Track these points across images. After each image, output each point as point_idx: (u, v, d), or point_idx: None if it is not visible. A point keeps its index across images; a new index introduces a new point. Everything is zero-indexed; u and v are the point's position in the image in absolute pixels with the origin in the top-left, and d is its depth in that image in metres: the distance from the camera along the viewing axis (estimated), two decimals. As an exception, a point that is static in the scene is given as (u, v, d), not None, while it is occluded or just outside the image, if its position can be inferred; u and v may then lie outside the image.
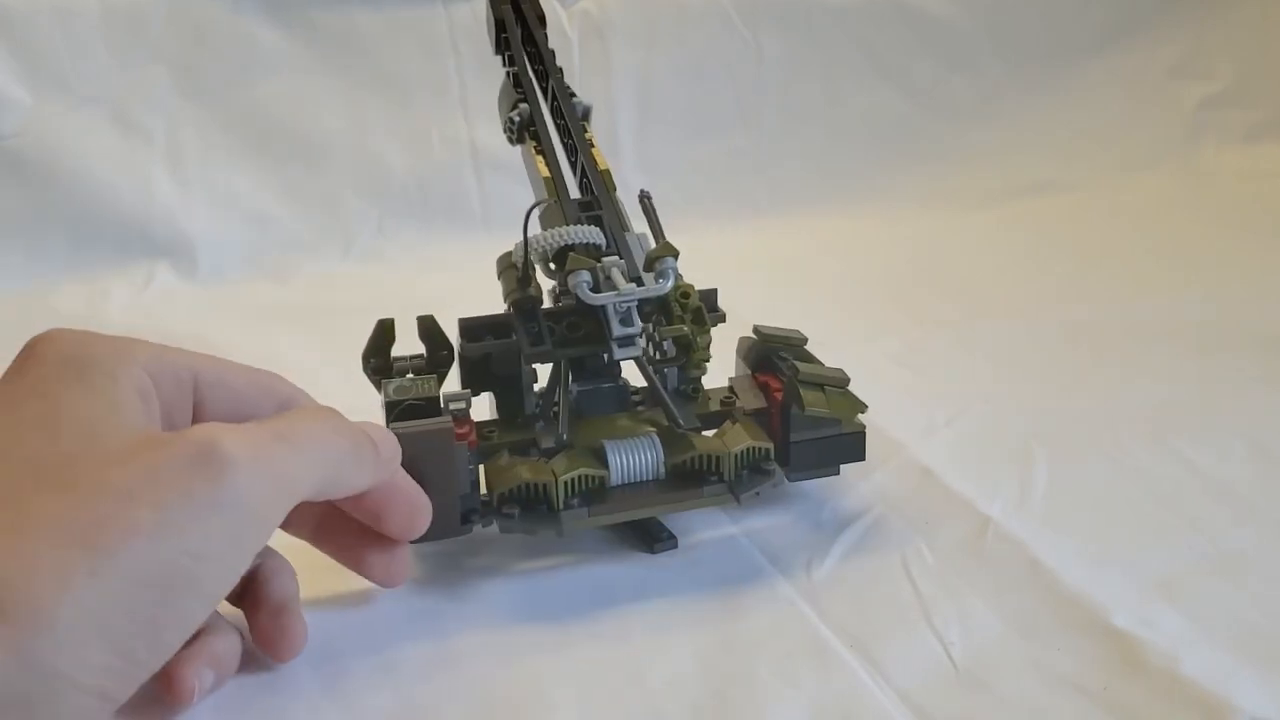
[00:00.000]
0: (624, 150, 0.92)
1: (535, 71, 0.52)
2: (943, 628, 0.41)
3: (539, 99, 0.51)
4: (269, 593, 0.39)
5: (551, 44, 0.96)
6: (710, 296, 0.49)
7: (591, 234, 0.45)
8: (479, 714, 0.38)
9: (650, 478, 0.45)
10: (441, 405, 0.43)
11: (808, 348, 0.49)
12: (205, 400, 0.37)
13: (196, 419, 0.37)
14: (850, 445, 0.47)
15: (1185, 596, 0.42)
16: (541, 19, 0.53)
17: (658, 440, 0.45)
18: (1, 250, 0.80)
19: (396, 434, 0.40)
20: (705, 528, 0.48)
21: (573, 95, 0.51)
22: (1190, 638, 0.40)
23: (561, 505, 0.43)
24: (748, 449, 0.45)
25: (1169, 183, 0.99)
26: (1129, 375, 0.62)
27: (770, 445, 0.45)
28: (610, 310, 0.43)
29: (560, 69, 0.52)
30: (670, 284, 0.43)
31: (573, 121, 0.50)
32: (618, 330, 0.43)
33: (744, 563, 0.45)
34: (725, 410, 0.48)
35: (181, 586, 0.30)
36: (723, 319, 0.49)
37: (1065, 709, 0.37)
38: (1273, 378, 0.61)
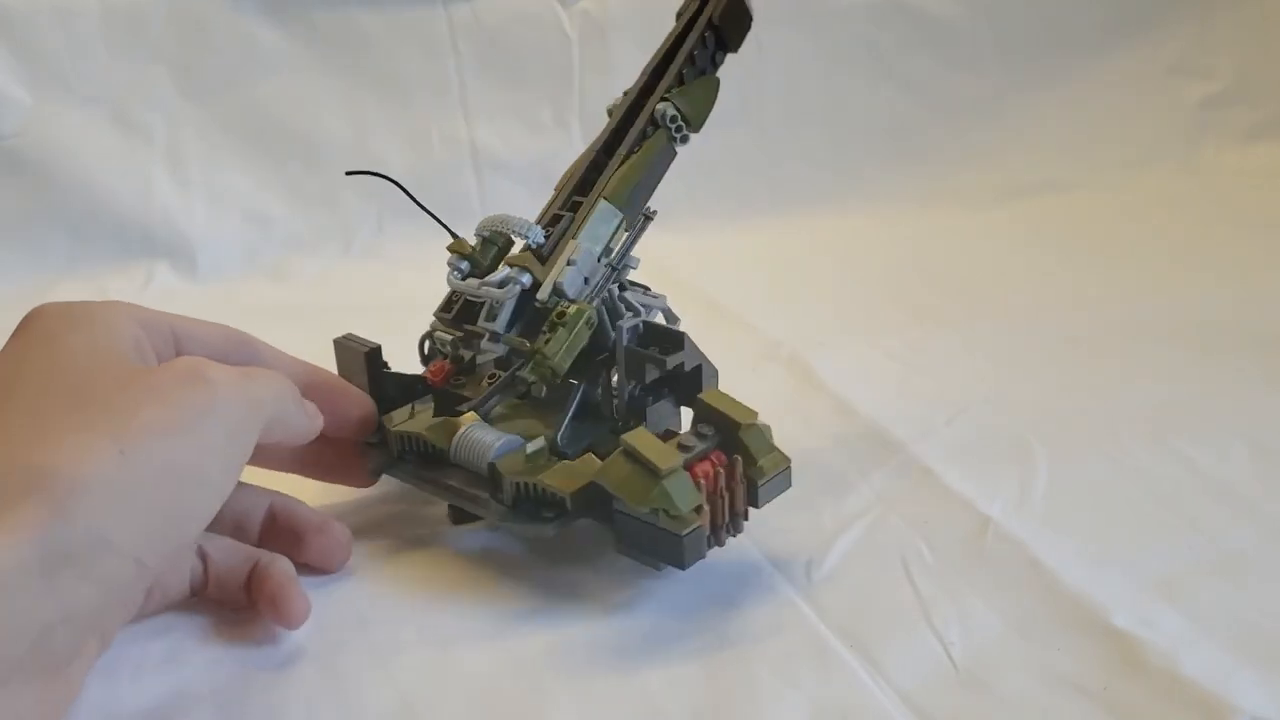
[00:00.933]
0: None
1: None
2: (943, 628, 0.41)
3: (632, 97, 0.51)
4: (301, 519, 0.45)
5: (551, 44, 0.96)
6: (671, 338, 0.47)
7: (525, 227, 0.46)
8: (478, 714, 0.38)
9: (475, 468, 0.45)
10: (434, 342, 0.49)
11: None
12: (184, 352, 0.42)
13: None
14: (668, 544, 0.40)
15: (1185, 596, 0.42)
16: (718, 40, 0.50)
17: (513, 442, 0.45)
18: (1, 250, 0.80)
19: (334, 342, 0.49)
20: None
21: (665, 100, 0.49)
22: (1190, 638, 0.40)
23: (396, 453, 0.47)
24: (527, 484, 0.43)
25: (1169, 182, 0.99)
26: (1129, 375, 0.62)
27: (564, 494, 0.42)
28: (486, 304, 0.46)
29: (679, 75, 0.49)
30: (505, 291, 0.45)
31: (636, 127, 0.49)
32: (479, 321, 0.46)
33: (744, 563, 0.45)
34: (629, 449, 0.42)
35: (192, 476, 0.35)
36: (663, 365, 0.46)
37: (1065, 709, 0.37)
38: (1273, 378, 0.61)
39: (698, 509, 0.41)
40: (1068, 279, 0.79)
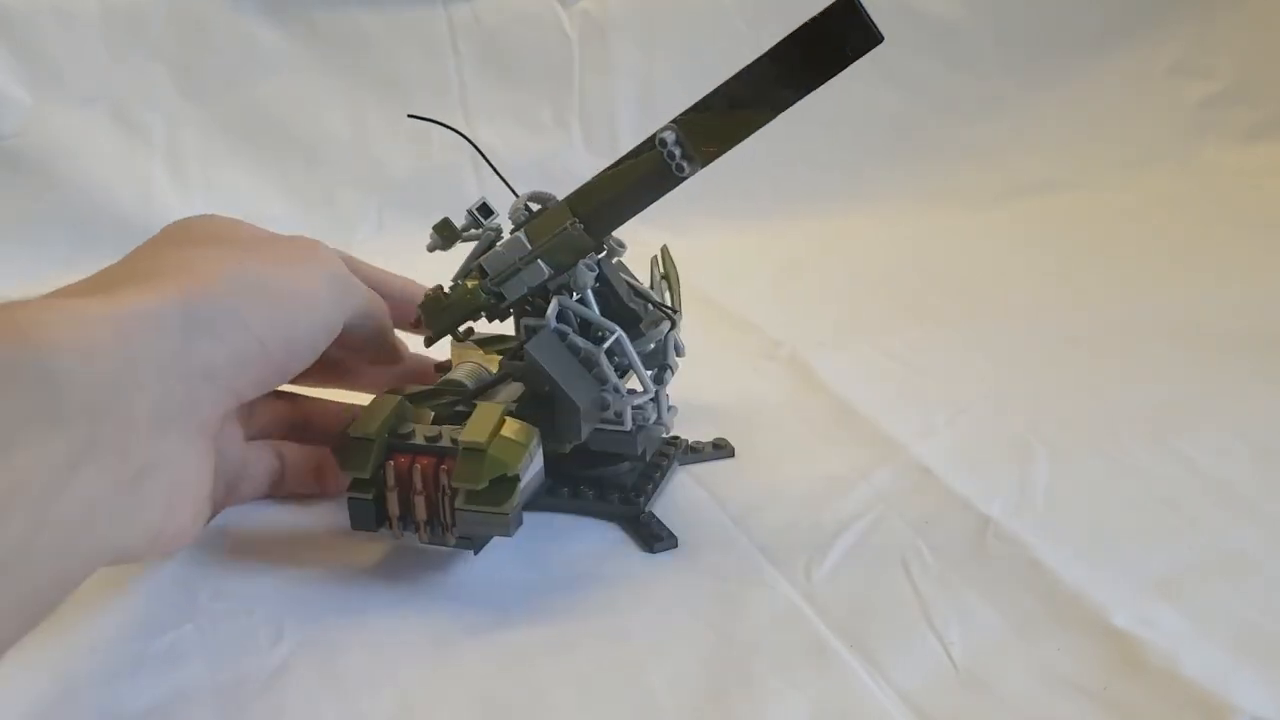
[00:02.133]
0: (624, 150, 0.92)
1: None
2: (943, 628, 0.41)
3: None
4: None
5: (551, 44, 0.96)
6: (517, 354, 0.46)
7: (518, 210, 0.49)
8: (478, 714, 0.38)
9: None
10: None
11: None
12: None
13: None
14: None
15: (1185, 596, 0.42)
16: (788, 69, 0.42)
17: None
18: (1, 250, 0.80)
19: None
20: (705, 528, 0.48)
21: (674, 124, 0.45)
22: (1190, 637, 0.40)
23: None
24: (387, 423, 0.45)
25: (1169, 182, 0.99)
26: (1129, 375, 0.62)
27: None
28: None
29: (720, 95, 0.44)
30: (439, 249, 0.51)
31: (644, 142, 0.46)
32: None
33: (744, 563, 0.45)
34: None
35: (301, 292, 0.43)
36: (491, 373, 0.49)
37: (1065, 709, 0.37)
38: (1273, 378, 0.61)
39: (371, 483, 0.43)
40: (1068, 279, 0.79)
